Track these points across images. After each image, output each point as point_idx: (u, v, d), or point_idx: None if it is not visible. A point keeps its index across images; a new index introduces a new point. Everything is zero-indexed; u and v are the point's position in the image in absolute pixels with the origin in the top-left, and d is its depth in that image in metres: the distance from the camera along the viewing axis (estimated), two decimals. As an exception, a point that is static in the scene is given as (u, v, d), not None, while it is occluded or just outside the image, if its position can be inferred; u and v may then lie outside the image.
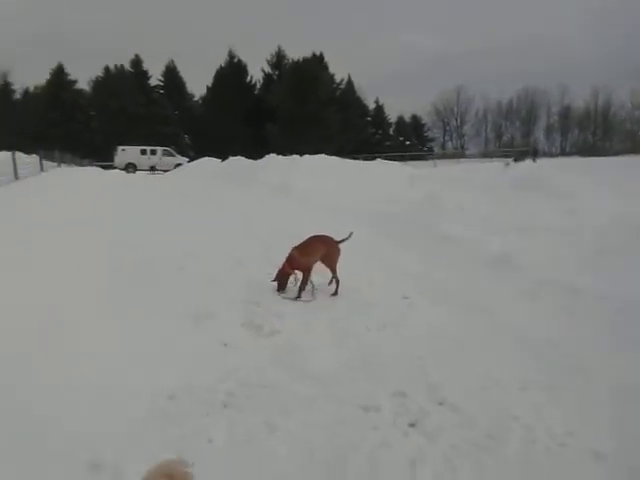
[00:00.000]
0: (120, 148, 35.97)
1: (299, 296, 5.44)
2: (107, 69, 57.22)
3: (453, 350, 4.17)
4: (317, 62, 60.73)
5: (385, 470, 2.73)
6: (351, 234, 5.69)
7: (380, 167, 15.64)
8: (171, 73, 61.83)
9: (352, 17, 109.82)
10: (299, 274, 5.55)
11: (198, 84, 75.26)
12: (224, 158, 28.74)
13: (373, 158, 26.04)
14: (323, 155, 16.68)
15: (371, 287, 5.82)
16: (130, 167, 34.63)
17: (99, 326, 4.49)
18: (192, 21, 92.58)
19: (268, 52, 65.04)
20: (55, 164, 23.51)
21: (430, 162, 48.44)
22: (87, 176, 16.48)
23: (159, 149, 37.02)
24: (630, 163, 27.97)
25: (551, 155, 67.01)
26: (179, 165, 34.42)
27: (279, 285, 5.47)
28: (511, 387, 3.56)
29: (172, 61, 61.93)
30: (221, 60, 61.82)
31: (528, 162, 35.92)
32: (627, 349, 3.95)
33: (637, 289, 4.60)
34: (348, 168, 15.08)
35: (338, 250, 5.60)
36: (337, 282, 5.58)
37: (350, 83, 67.07)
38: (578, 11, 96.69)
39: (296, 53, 68.49)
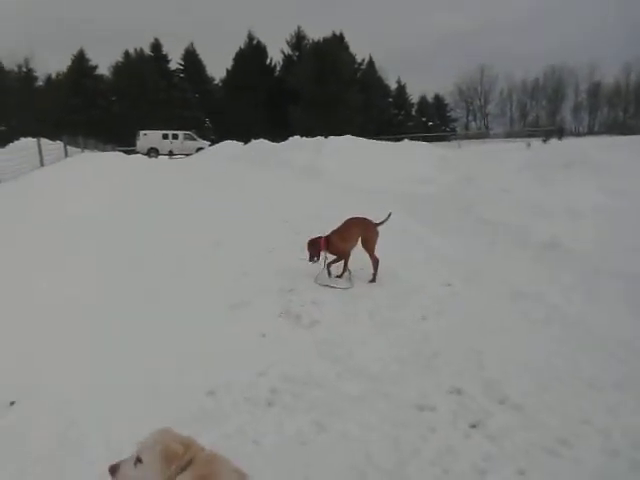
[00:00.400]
0: (142, 133, 35.93)
1: (340, 276, 5.26)
2: (127, 54, 57.07)
3: (507, 342, 3.88)
4: (338, 42, 59.72)
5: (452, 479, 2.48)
6: (390, 215, 5.40)
7: (408, 148, 15.19)
8: (191, 56, 61.48)
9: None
10: (329, 256, 5.35)
11: (218, 67, 74.92)
12: (246, 141, 28.49)
13: (397, 139, 25.49)
14: (349, 136, 16.27)
15: (410, 273, 5.55)
16: (152, 152, 34.62)
17: (136, 322, 4.33)
18: (210, 3, 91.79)
19: (288, 33, 64.26)
20: (79, 150, 23.51)
21: (454, 143, 47.57)
22: (110, 161, 16.37)
23: (180, 133, 36.90)
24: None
25: (578, 134, 65.24)
26: (201, 149, 34.31)
27: (311, 255, 5.31)
28: (577, 384, 3.26)
29: (192, 44, 61.56)
30: (240, 42, 61.29)
31: (554, 141, 35.14)
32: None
33: None
34: (375, 149, 14.66)
35: (377, 233, 5.33)
36: (376, 266, 5.31)
37: (371, 63, 65.95)
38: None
39: (316, 33, 67.38)
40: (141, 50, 57.64)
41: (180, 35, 79.96)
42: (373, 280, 5.28)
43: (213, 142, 37.91)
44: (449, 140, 57.69)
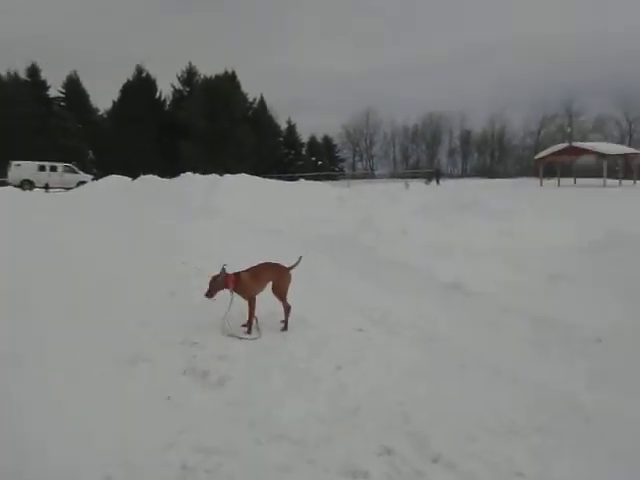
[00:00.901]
0: (14, 163, 32.93)
1: (248, 331, 4.87)
2: (-2, 77, 52.78)
3: (428, 390, 3.78)
4: (230, 80, 60.15)
5: None
6: (300, 259, 5.21)
7: (304, 187, 15.31)
8: (73, 84, 58.32)
9: (266, 38, 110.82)
10: (236, 296, 4.97)
11: (103, 98, 71.58)
12: (134, 176, 27.18)
13: (290, 178, 25.70)
14: (244, 174, 16.08)
15: (319, 318, 5.33)
16: (26, 184, 31.80)
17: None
18: (95, 32, 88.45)
19: (178, 68, 63.55)
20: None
21: (343, 182, 49.37)
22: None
23: (60, 165, 34.39)
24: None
25: (452, 176, 70.93)
26: (83, 183, 32.15)
27: (210, 290, 4.81)
28: (502, 431, 3.22)
29: (75, 72, 58.47)
30: (128, 74, 59.42)
31: (433, 183, 37.78)
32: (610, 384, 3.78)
33: (605, 318, 4.51)
34: (272, 188, 14.57)
35: (290, 278, 5.09)
36: (288, 313, 5.04)
37: (262, 102, 67.16)
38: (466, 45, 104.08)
39: (208, 70, 67.22)
40: (15, 74, 53.54)
41: (61, 61, 75.47)
42: (285, 328, 5.00)
43: (96, 176, 35.79)
44: (337, 179, 60.01)
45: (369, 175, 73.17)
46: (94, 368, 4.01)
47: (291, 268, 5.16)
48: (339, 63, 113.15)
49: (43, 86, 56.82)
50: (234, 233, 9.96)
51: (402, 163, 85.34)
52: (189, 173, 19.03)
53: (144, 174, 24.83)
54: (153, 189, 19.08)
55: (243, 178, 15.46)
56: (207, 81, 59.39)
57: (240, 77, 61.87)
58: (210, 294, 4.82)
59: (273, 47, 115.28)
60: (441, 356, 4.41)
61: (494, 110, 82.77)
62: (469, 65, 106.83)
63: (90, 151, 54.37)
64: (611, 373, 3.93)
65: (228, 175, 15.67)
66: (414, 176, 48.76)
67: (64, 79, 58.09)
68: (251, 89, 65.56)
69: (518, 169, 72.27)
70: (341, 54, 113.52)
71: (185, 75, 63.32)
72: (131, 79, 59.53)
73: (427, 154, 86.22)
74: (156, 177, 22.14)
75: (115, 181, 24.92)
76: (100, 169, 45.87)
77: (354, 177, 61.24)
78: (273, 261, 5.18)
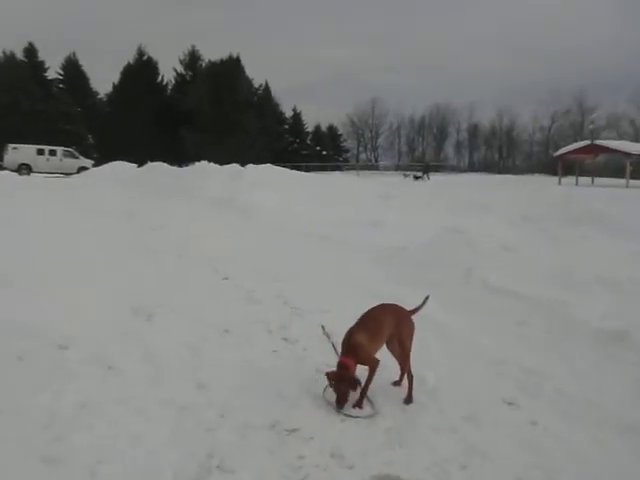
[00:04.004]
0: (11, 146, 31.11)
1: (359, 404, 3.35)
2: (-7, 56, 50.57)
3: None
4: (234, 64, 58.07)
5: None
6: (427, 299, 3.72)
7: (339, 181, 13.74)
8: (72, 66, 56.20)
9: (271, 24, 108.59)
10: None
11: (103, 80, 69.30)
12: (137, 162, 25.51)
13: (294, 167, 23.77)
14: (269, 165, 14.47)
15: (444, 379, 3.82)
16: (24, 168, 30.05)
17: None
18: (95, 9, 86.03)
19: (181, 51, 61.49)
20: None
21: (352, 172, 47.94)
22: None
23: (59, 149, 32.57)
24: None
25: (459, 170, 69.27)
26: (84, 168, 30.45)
27: (339, 398, 3.28)
28: None
29: (74, 53, 56.31)
30: (129, 57, 57.33)
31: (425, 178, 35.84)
32: None
33: None
34: (303, 181, 13.01)
35: (412, 326, 3.59)
36: (411, 379, 3.54)
37: (267, 89, 65.16)
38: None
39: (211, 54, 65.06)
40: (12, 54, 51.35)
41: (59, 42, 73.16)
42: (409, 400, 3.49)
43: (96, 161, 34.10)
44: (342, 170, 58.44)
45: (373, 166, 71.58)
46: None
47: (414, 312, 3.67)
48: (344, 51, 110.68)
49: (41, 67, 54.70)
50: (274, 240, 8.42)
51: (407, 155, 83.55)
52: (204, 162, 17.28)
53: (149, 160, 23.19)
54: (163, 178, 17.42)
55: (268, 170, 13.84)
56: (211, 65, 57.32)
57: (244, 62, 59.83)
58: (342, 402, 3.27)
59: (278, 33, 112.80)
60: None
61: (503, 103, 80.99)
62: (477, 57, 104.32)
63: (90, 135, 52.39)
64: None
65: (251, 166, 14.04)
66: (414, 169, 46.29)
67: (62, 61, 56.02)
68: (256, 75, 63.48)
69: (527, 165, 70.67)
70: (347, 42, 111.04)
71: (188, 59, 61.15)
72: (132, 62, 57.47)
73: (433, 146, 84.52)
74: (166, 165, 20.45)
75: (120, 168, 23.15)
76: (100, 154, 44.10)
77: (359, 168, 59.59)
78: (391, 303, 3.68)
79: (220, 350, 4.14)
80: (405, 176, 35.48)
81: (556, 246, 5.81)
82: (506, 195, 11.63)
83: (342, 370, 3.26)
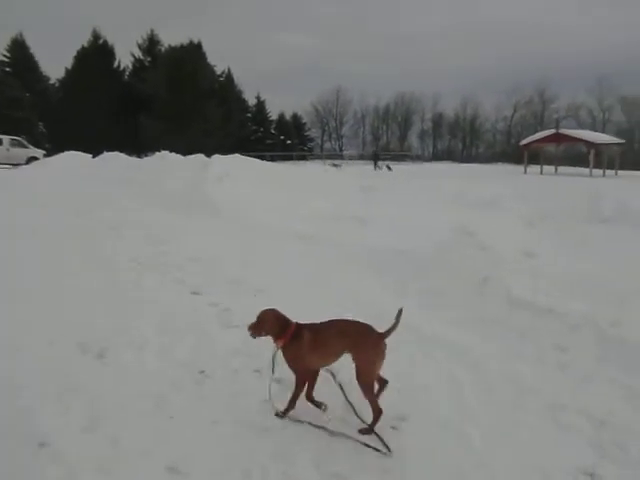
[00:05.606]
0: (-49, 135, 28.75)
1: (284, 412, 2.92)
2: None
3: None
4: (195, 50, 55.96)
5: None
6: (400, 313, 2.85)
7: (313, 172, 12.73)
8: (19, 48, 52.79)
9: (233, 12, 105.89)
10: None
11: (55, 65, 65.68)
12: (93, 153, 23.80)
13: (258, 156, 22.51)
14: (238, 155, 13.32)
15: (488, 436, 2.96)
16: (-36, 159, 27.82)
17: None
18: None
19: (139, 35, 58.86)
20: None
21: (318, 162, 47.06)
22: None
23: (5, 138, 30.26)
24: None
25: (424, 159, 69.16)
26: (34, 159, 28.36)
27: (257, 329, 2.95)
28: None
29: (21, 34, 52.88)
30: (83, 40, 54.36)
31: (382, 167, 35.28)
32: None
33: None
34: (275, 173, 11.95)
35: (382, 350, 2.85)
36: (377, 413, 2.81)
37: (230, 76, 63.23)
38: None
39: (172, 39, 62.60)
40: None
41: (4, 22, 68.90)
42: (370, 430, 2.80)
43: (49, 151, 31.93)
44: (307, 159, 57.45)
45: (337, 156, 70.84)
46: None
47: (387, 334, 2.82)
48: (308, 38, 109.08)
49: (-17, 49, 51.26)
50: (247, 241, 7.38)
51: (372, 144, 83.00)
52: (165, 152, 16.04)
53: (105, 150, 21.59)
54: (121, 170, 16.01)
55: (238, 160, 12.68)
56: (171, 50, 55.03)
57: (206, 48, 57.72)
58: (256, 333, 2.95)
59: (242, 19, 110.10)
60: None
61: (466, 93, 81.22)
62: (443, 46, 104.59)
63: (41, 123, 49.44)
64: None
65: (218, 156, 12.86)
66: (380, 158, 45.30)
67: (8, 42, 52.51)
68: (218, 62, 61.23)
69: (490, 154, 71.30)
70: (311, 29, 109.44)
71: (147, 43, 58.60)
72: (86, 45, 54.55)
73: (397, 135, 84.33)
74: (123, 155, 18.93)
75: (74, 158, 21.39)
76: (53, 143, 41.59)
77: (328, 157, 58.65)
78: (354, 319, 2.95)
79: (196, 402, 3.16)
80: (335, 166, 32.95)
81: (586, 251, 5.04)
82: (505, 187, 10.92)
83: (278, 315, 2.97)
